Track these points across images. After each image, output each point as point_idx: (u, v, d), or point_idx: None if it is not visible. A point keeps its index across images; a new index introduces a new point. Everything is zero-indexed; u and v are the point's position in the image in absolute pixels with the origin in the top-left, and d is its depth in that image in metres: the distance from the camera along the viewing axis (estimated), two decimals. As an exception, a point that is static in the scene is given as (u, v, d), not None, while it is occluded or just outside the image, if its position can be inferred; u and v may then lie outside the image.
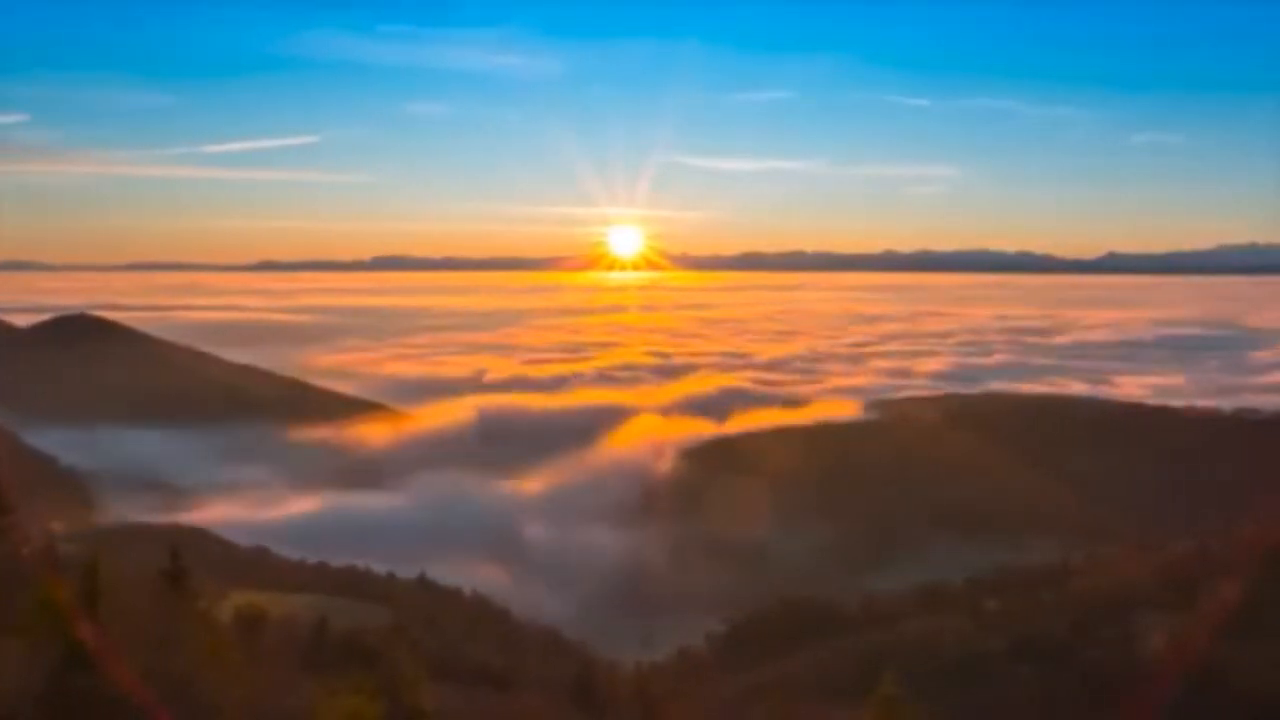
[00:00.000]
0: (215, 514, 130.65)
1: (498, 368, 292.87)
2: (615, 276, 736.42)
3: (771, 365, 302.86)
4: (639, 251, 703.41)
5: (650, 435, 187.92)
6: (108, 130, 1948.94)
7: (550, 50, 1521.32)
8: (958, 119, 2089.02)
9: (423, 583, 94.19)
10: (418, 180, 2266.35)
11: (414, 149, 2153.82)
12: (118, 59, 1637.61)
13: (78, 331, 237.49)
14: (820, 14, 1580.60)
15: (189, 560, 34.06)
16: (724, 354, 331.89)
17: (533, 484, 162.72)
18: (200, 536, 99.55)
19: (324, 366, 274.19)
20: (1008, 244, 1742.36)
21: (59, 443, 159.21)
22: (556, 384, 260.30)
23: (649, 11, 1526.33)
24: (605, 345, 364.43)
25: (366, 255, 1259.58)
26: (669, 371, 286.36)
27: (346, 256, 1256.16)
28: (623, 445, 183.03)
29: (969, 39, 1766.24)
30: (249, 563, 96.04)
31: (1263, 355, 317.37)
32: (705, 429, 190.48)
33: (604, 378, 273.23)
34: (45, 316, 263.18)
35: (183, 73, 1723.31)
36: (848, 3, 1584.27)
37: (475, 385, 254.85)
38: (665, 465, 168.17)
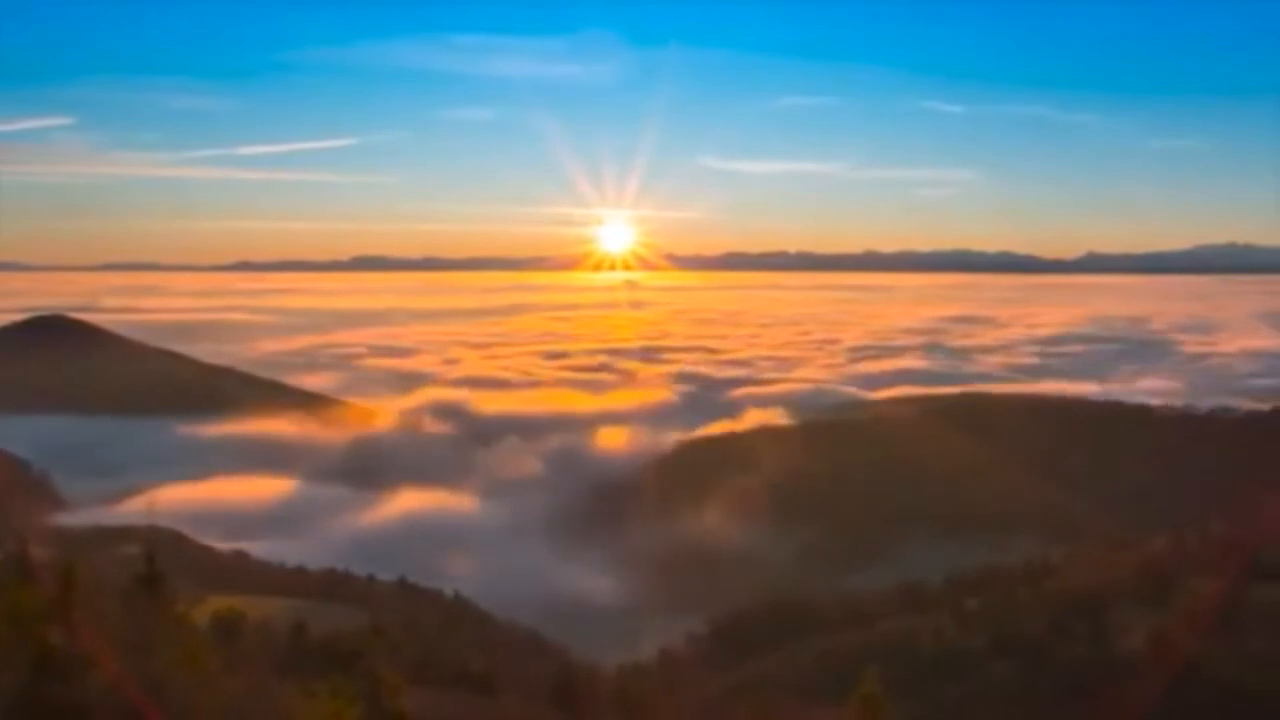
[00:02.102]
0: (192, 516, 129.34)
1: (466, 368, 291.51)
2: (601, 277, 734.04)
3: (753, 365, 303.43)
4: (625, 251, 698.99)
5: (630, 436, 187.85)
6: (151, 133, 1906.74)
7: (618, 57, 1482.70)
8: (988, 124, 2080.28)
9: (402, 585, 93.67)
10: (433, 183, 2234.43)
11: (443, 152, 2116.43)
12: (179, 63, 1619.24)
13: (50, 333, 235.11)
14: (869, 22, 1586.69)
15: (165, 563, 33.49)
16: (707, 353, 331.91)
17: (512, 484, 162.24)
18: (177, 539, 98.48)
19: (299, 364, 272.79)
20: (989, 244, 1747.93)
21: (33, 445, 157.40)
22: (535, 384, 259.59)
23: (731, 12, 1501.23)
24: (588, 345, 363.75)
25: (345, 255, 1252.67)
26: (649, 371, 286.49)
27: (323, 257, 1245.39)
28: (603, 446, 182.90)
29: (1011, 45, 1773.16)
30: (226, 566, 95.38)
31: (1241, 355, 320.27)
32: (687, 430, 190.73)
33: (591, 378, 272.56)
34: (17, 318, 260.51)
35: (239, 76, 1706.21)
36: (894, 12, 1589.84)
37: (443, 384, 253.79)
38: (646, 466, 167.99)
